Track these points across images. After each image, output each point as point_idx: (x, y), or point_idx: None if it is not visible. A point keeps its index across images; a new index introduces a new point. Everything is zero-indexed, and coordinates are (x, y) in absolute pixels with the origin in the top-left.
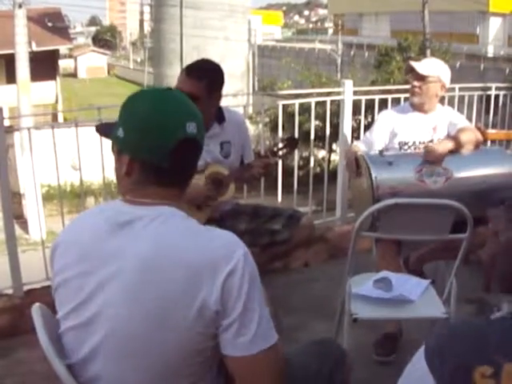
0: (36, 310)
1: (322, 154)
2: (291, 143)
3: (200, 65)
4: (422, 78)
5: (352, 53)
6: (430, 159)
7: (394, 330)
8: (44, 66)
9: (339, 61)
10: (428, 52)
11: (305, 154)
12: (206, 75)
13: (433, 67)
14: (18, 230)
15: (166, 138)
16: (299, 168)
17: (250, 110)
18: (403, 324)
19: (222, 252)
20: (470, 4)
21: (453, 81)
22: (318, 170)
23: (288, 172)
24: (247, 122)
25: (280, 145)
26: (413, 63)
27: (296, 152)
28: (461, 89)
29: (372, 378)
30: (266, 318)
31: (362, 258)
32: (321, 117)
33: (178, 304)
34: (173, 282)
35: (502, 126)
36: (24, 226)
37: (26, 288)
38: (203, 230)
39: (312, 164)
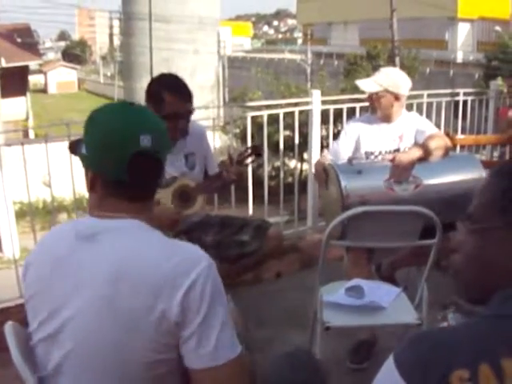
0: (9, 329)
1: (293, 163)
2: (255, 151)
3: (183, 84)
4: (370, 95)
5: (321, 62)
6: (397, 174)
7: (367, 337)
8: (14, 82)
9: (309, 70)
10: (397, 59)
11: (276, 164)
12: (191, 94)
13: (378, 81)
14: None
15: (120, 151)
16: (271, 178)
17: (221, 121)
18: (377, 331)
19: (183, 266)
20: (438, 10)
21: (422, 87)
22: (290, 179)
23: (259, 182)
24: (219, 133)
25: (245, 153)
26: (358, 82)
27: (266, 162)
28: (429, 95)
29: None
30: (229, 331)
31: (334, 267)
32: (291, 127)
33: (139, 316)
34: (133, 295)
35: (471, 131)
36: None
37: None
38: (166, 243)
39: (282, 174)
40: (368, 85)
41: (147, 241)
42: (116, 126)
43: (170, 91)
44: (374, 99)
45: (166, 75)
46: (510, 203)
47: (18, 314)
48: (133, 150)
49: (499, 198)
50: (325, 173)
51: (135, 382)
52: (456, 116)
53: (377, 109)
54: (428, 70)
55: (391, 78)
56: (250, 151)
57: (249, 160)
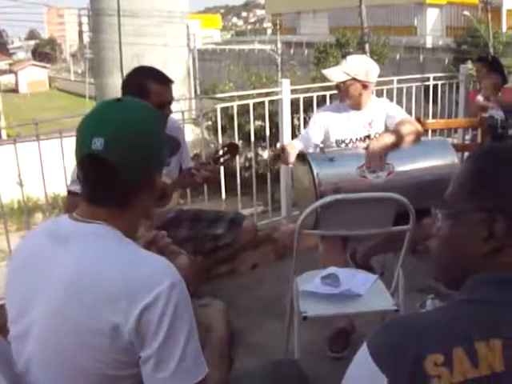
0: None
1: (266, 154)
2: (232, 149)
3: (161, 72)
4: (338, 84)
5: (291, 51)
6: (373, 162)
7: (345, 325)
8: None
9: (279, 60)
10: (366, 46)
11: (249, 155)
12: (172, 80)
13: (345, 70)
14: None
15: (76, 153)
16: (244, 169)
17: (193, 114)
18: (355, 319)
19: (143, 282)
20: None
21: (393, 73)
22: (264, 170)
23: (232, 174)
24: (192, 126)
25: (221, 151)
26: (324, 72)
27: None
28: (399, 81)
29: (327, 374)
30: (193, 354)
31: (309, 256)
32: (263, 117)
33: (94, 327)
34: (90, 304)
35: (443, 115)
36: None
37: None
38: (132, 255)
39: (254, 165)
40: (335, 74)
41: (112, 249)
42: (79, 125)
43: (155, 80)
44: (342, 88)
45: (144, 67)
46: (479, 187)
47: None
48: (83, 152)
49: (469, 183)
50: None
51: None
52: (427, 101)
53: (345, 97)
54: (398, 56)
55: (358, 66)
56: (226, 149)
57: (225, 158)
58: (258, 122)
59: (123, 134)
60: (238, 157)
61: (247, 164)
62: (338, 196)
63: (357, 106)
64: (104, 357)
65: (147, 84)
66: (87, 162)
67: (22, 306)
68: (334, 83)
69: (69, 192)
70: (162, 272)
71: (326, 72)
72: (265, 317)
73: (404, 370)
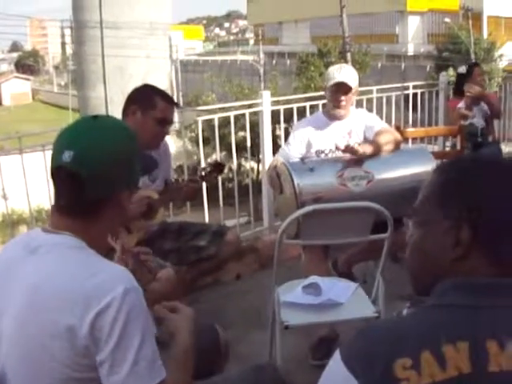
0: None
1: (251, 164)
2: (217, 168)
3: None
4: (348, 91)
5: (274, 62)
6: (349, 152)
7: (327, 333)
8: None
9: (261, 71)
10: (348, 55)
11: (233, 166)
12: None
13: (352, 77)
14: None
15: (51, 164)
16: (228, 180)
17: (176, 126)
18: (337, 327)
19: (97, 289)
20: (387, 5)
21: (375, 82)
22: (248, 181)
23: (216, 185)
24: (174, 138)
25: (207, 169)
26: (343, 79)
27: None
28: (379, 90)
29: (310, 382)
30: (147, 358)
31: (292, 266)
32: (245, 128)
33: (53, 331)
34: (48, 311)
35: (425, 123)
36: None
37: None
38: (90, 263)
39: (236, 176)
40: (350, 79)
41: (72, 258)
42: (55, 138)
43: (162, 97)
44: (347, 97)
45: (153, 85)
46: (446, 197)
47: None
48: (54, 164)
49: (436, 193)
50: (277, 176)
51: None
52: (408, 109)
53: (344, 107)
54: (379, 64)
55: (355, 76)
56: (212, 168)
57: (211, 176)
58: (242, 133)
59: (92, 150)
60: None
61: (230, 175)
62: (317, 206)
63: (341, 115)
64: (66, 360)
65: (155, 99)
66: (57, 173)
67: None
68: (314, 94)
69: None
70: (116, 279)
71: (344, 78)
72: (249, 326)
73: (375, 375)
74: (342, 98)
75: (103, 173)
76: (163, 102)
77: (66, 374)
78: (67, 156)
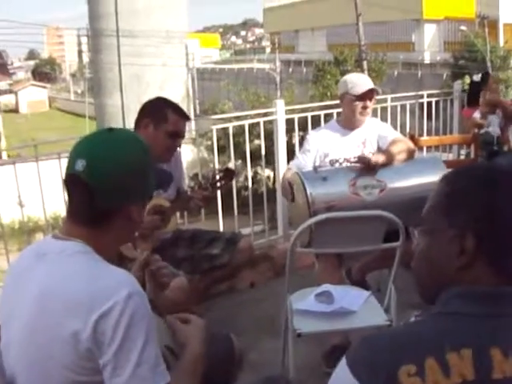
0: None
1: (266, 173)
2: (228, 174)
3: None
4: (373, 97)
5: (290, 70)
6: (361, 162)
7: (340, 341)
8: None
9: (278, 79)
10: (364, 63)
11: (248, 174)
12: (189, 117)
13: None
14: None
15: (65, 171)
16: (245, 188)
17: (193, 134)
18: (350, 335)
19: (101, 292)
20: (404, 13)
21: (391, 90)
22: (264, 189)
23: (231, 193)
24: (191, 146)
25: (217, 176)
26: (371, 85)
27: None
28: (394, 98)
29: None
30: (149, 362)
31: (306, 274)
32: (264, 136)
33: (59, 335)
34: (54, 316)
35: (442, 131)
36: None
37: None
38: (95, 268)
39: (250, 184)
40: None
41: (77, 263)
42: (72, 147)
43: (174, 110)
44: (369, 100)
45: (167, 98)
46: (451, 206)
47: None
48: (67, 171)
49: (442, 202)
50: (290, 185)
51: None
52: (424, 117)
53: (367, 114)
54: (396, 72)
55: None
56: (222, 174)
57: (222, 183)
58: (258, 141)
59: (104, 161)
60: (237, 176)
61: (246, 183)
62: (329, 214)
63: (357, 124)
64: (71, 364)
65: (167, 112)
66: (69, 180)
67: (6, 319)
68: (330, 102)
69: None
70: (120, 283)
71: (368, 82)
72: (262, 334)
73: (380, 381)
74: (369, 104)
75: (114, 184)
76: (175, 115)
77: (71, 377)
78: (80, 165)
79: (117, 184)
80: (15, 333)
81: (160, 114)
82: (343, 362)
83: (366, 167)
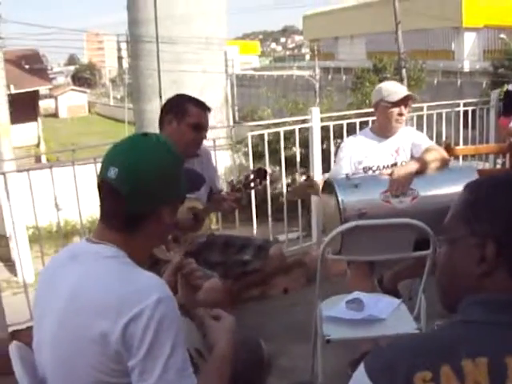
0: (13, 348)
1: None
2: (261, 174)
3: (199, 99)
4: (408, 104)
5: (329, 77)
6: (395, 188)
7: (369, 348)
8: (25, 107)
9: (317, 86)
10: (403, 71)
11: (288, 180)
12: (209, 108)
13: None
14: (6, 273)
15: (98, 177)
16: (283, 195)
17: (231, 140)
18: (380, 343)
19: (131, 296)
20: (443, 21)
21: (430, 98)
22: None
23: (272, 199)
24: (229, 152)
25: (250, 177)
26: (408, 92)
27: (268, 181)
28: (429, 107)
29: None
30: (177, 366)
31: (339, 281)
32: (301, 143)
33: (88, 336)
34: (84, 317)
35: (480, 140)
36: (12, 268)
37: (11, 329)
38: (126, 272)
39: (285, 191)
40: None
41: (110, 266)
42: (106, 152)
43: (194, 103)
44: (405, 107)
45: (186, 94)
46: (473, 215)
47: (29, 336)
48: (100, 178)
49: (464, 211)
50: (323, 192)
51: None
52: (464, 126)
53: (403, 121)
54: (435, 80)
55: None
56: (255, 175)
57: (254, 183)
58: (295, 148)
59: (135, 169)
60: (272, 183)
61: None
62: (359, 222)
63: (392, 131)
64: (99, 365)
65: (187, 106)
66: (101, 187)
67: (38, 319)
68: (365, 110)
69: None
70: (150, 288)
71: (403, 89)
72: (294, 340)
73: None
74: (405, 111)
75: (146, 190)
76: (195, 107)
77: (99, 378)
78: (112, 172)
79: (148, 190)
80: (46, 332)
81: (181, 108)
82: (362, 366)
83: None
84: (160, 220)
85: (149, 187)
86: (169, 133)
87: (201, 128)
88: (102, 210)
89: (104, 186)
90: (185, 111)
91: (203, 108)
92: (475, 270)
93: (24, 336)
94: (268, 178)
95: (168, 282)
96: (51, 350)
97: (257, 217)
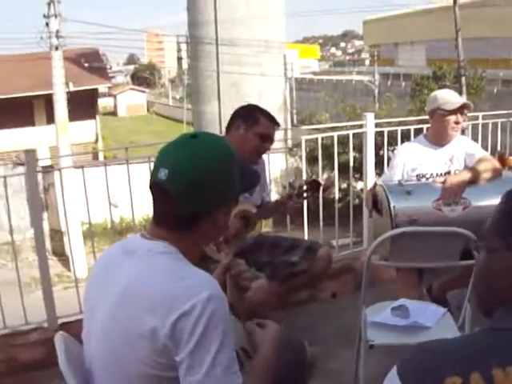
0: (58, 338)
1: (359, 185)
2: (314, 186)
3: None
4: (463, 113)
5: (389, 83)
6: (447, 196)
7: None
8: (83, 105)
9: (376, 92)
10: (463, 79)
11: (343, 185)
12: (279, 123)
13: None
14: (59, 268)
15: (150, 178)
16: (339, 200)
17: (289, 144)
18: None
19: (183, 292)
20: (505, 29)
21: (490, 107)
22: (357, 201)
23: (327, 204)
24: (286, 156)
25: (303, 187)
26: (464, 100)
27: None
28: (484, 116)
29: None
30: (224, 364)
31: (388, 287)
32: (357, 148)
33: (138, 329)
34: (135, 310)
35: None
36: (65, 263)
37: (60, 321)
38: (179, 268)
39: (337, 197)
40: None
41: (162, 263)
42: (157, 155)
43: (265, 115)
44: (461, 115)
45: (257, 105)
46: (508, 227)
47: (78, 328)
48: (151, 179)
49: (499, 222)
50: (373, 198)
51: None
52: None
53: (459, 129)
54: (495, 89)
55: None
56: (308, 186)
57: (308, 194)
58: (353, 153)
59: (186, 170)
60: (326, 189)
61: (340, 195)
62: (405, 229)
63: (446, 139)
64: (146, 358)
65: (258, 115)
66: (153, 188)
67: (89, 310)
68: (420, 117)
69: None
70: (201, 285)
71: (458, 97)
72: (342, 344)
73: None
74: (461, 119)
75: (197, 191)
76: (266, 119)
77: (146, 371)
78: (163, 174)
79: (200, 191)
80: (97, 323)
81: (252, 116)
82: (394, 369)
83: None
84: (211, 221)
85: (201, 188)
86: (235, 138)
87: (267, 139)
88: (155, 210)
89: (155, 187)
90: (256, 120)
91: (273, 122)
92: (510, 280)
93: (73, 328)
94: (321, 188)
95: (218, 281)
96: (100, 342)
97: (308, 222)
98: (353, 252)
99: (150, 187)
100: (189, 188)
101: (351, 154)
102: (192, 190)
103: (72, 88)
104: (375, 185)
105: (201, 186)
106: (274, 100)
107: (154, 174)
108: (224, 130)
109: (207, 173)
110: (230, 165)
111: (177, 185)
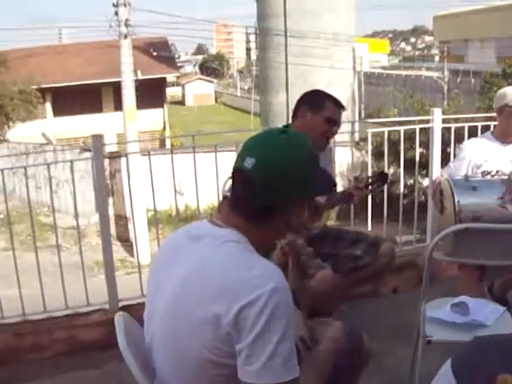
0: (118, 318)
1: (426, 181)
2: (382, 177)
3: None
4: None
5: (458, 80)
6: None
7: None
8: (151, 93)
9: (445, 88)
10: None
11: (409, 181)
12: (344, 107)
13: None
14: (122, 253)
15: (234, 165)
16: (404, 196)
17: (356, 137)
18: None
19: (250, 281)
20: None
21: None
22: (423, 198)
23: (391, 200)
24: (352, 149)
25: (372, 179)
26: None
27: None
28: None
29: None
30: (283, 355)
31: (450, 283)
32: (424, 144)
33: (201, 314)
34: (200, 295)
35: None
36: (129, 249)
37: (121, 304)
38: (246, 258)
39: (402, 192)
40: None
41: (230, 251)
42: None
43: (331, 100)
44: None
45: (321, 90)
46: None
47: (138, 310)
48: (236, 166)
49: None
50: (440, 194)
51: (193, 376)
52: None
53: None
54: None
55: None
56: (376, 178)
57: (375, 186)
58: (420, 149)
59: (272, 162)
60: (392, 184)
61: (406, 191)
62: (468, 225)
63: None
64: (206, 342)
65: (324, 100)
66: (237, 175)
67: (152, 290)
68: (490, 115)
69: (224, 197)
70: (267, 276)
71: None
72: (397, 340)
73: None
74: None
75: (279, 185)
76: (332, 103)
77: (205, 355)
78: (249, 162)
79: (281, 186)
80: (160, 304)
81: (318, 101)
82: (448, 362)
83: None
84: (285, 217)
85: (282, 182)
86: (301, 123)
87: (334, 123)
88: (233, 197)
89: (239, 174)
90: (321, 104)
91: (339, 106)
92: None
93: (133, 310)
94: (388, 180)
95: (278, 261)
96: (162, 322)
97: (372, 217)
98: (416, 248)
99: (233, 175)
100: (272, 180)
101: (417, 150)
102: (275, 183)
103: (140, 76)
104: (440, 178)
105: (283, 180)
106: (342, 93)
107: (238, 162)
108: (291, 121)
109: (292, 170)
110: (314, 166)
111: (260, 175)
